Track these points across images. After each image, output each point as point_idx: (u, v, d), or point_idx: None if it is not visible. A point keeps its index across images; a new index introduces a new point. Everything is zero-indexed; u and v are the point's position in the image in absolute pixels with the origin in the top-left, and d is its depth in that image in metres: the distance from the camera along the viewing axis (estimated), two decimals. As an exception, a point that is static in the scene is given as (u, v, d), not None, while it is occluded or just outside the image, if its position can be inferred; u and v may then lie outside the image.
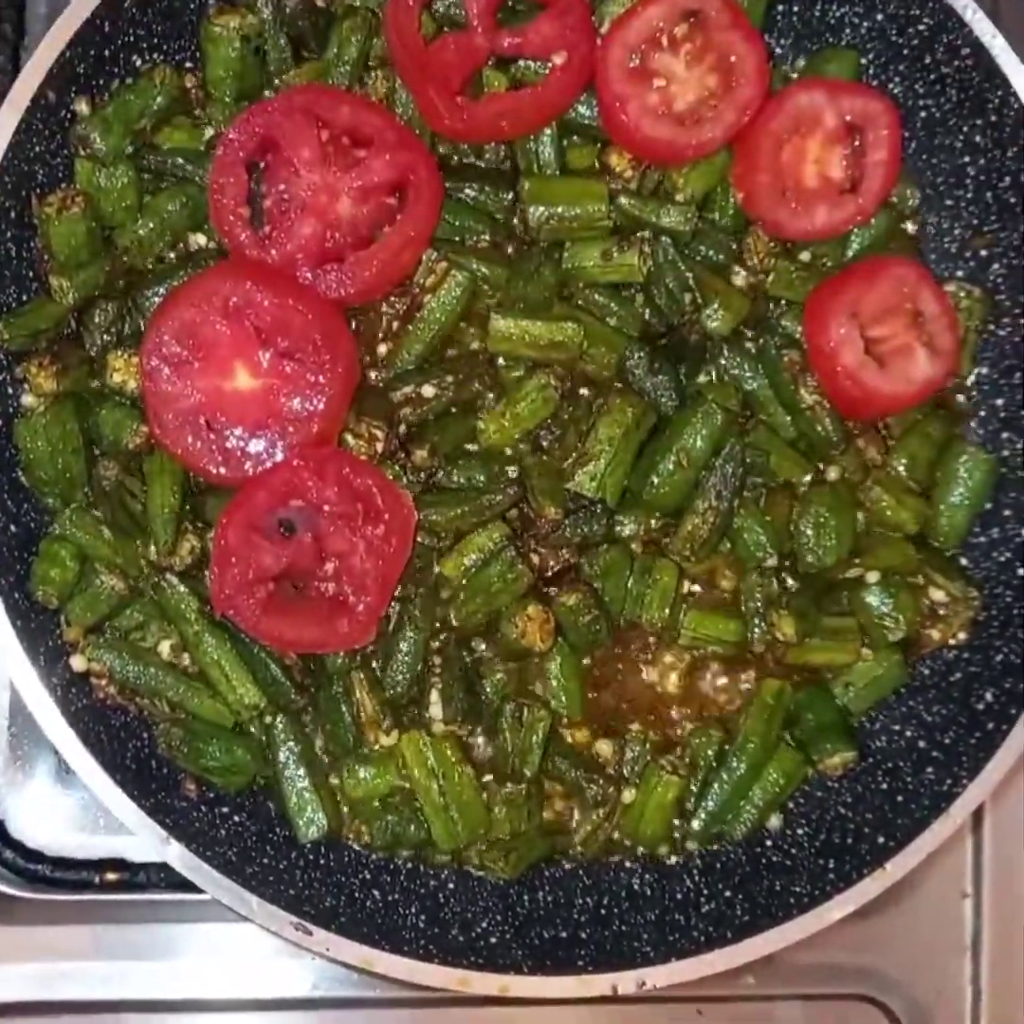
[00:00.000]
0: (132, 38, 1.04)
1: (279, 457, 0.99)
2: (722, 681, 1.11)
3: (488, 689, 1.06)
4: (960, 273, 1.15)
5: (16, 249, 1.02)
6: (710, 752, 1.09)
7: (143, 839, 0.96)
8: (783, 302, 1.12)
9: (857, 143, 1.10)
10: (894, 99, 1.11)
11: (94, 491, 1.04)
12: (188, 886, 0.97)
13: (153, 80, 1.05)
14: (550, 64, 1.07)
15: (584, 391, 1.09)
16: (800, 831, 1.09)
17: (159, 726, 1.04)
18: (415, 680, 1.04)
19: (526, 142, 1.09)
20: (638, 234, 1.07)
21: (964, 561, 1.13)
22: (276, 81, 1.08)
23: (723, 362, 1.09)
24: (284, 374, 0.99)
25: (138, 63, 1.06)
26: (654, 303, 1.09)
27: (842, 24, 1.13)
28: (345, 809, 1.06)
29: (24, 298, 1.03)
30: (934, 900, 1.22)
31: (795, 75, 1.16)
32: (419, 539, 1.04)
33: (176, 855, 0.96)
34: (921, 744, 1.09)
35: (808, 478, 1.10)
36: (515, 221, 1.09)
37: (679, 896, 1.07)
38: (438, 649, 1.05)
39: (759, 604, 1.09)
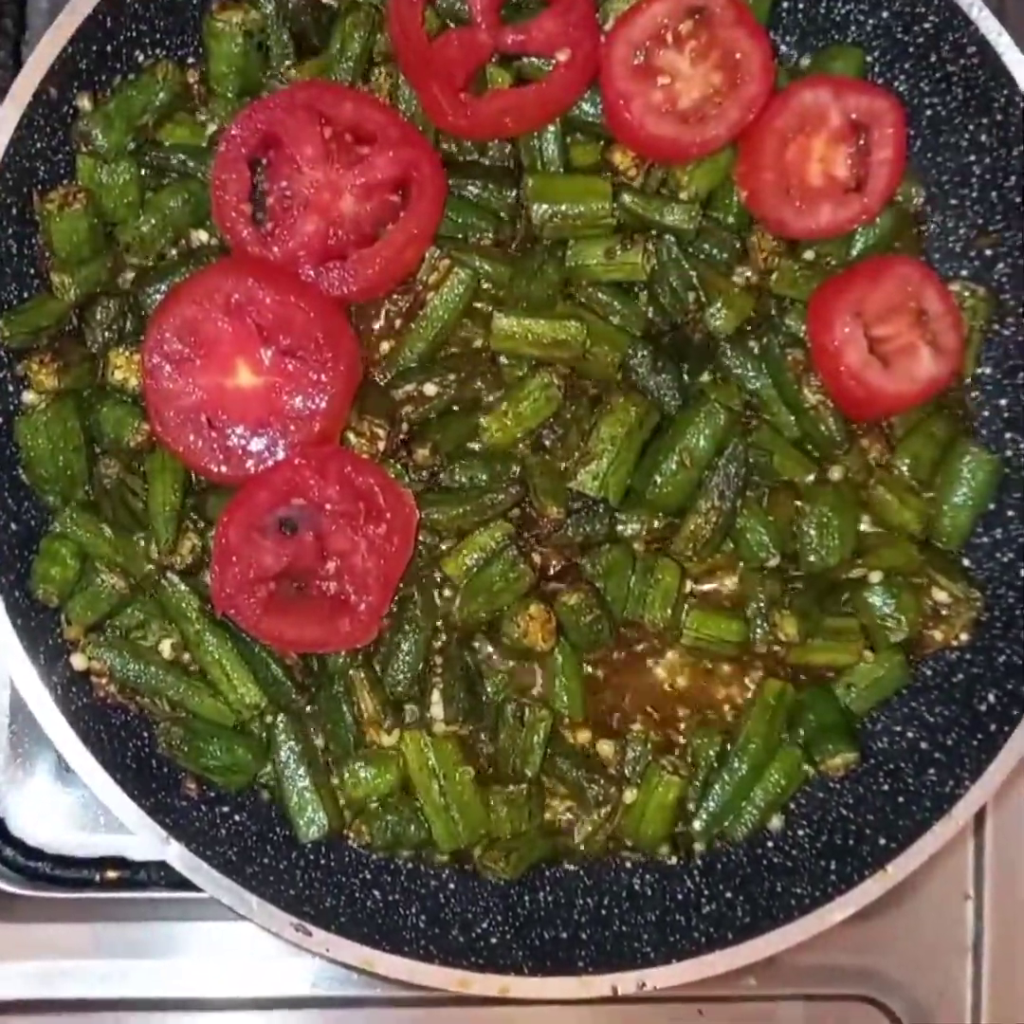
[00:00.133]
0: (134, 33, 1.04)
1: (281, 455, 0.99)
2: (724, 681, 1.11)
3: (489, 689, 1.06)
4: (965, 272, 1.14)
5: (17, 246, 1.02)
6: (711, 752, 1.09)
7: (143, 838, 0.96)
8: (787, 301, 1.11)
9: (862, 141, 1.09)
10: (899, 97, 1.11)
11: (95, 489, 1.04)
12: (188, 884, 0.97)
13: (155, 76, 1.05)
14: (554, 61, 1.06)
15: (587, 389, 1.08)
16: (801, 832, 1.09)
17: (159, 725, 1.04)
18: (416, 680, 1.04)
19: (530, 139, 1.09)
20: (642, 232, 1.07)
21: (967, 562, 1.13)
22: (279, 77, 1.08)
23: (726, 361, 1.09)
24: (286, 372, 0.99)
25: (140, 58, 1.06)
26: (658, 302, 1.09)
27: (847, 21, 1.13)
28: (345, 809, 1.06)
29: (25, 295, 1.03)
30: (936, 901, 1.21)
31: (803, 69, 1.15)
32: (421, 538, 1.04)
33: (176, 854, 0.96)
34: (923, 745, 1.09)
35: (811, 478, 1.10)
36: (518, 219, 1.09)
37: (680, 897, 1.07)
38: (439, 649, 1.05)
39: (762, 604, 1.09)
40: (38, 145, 1.01)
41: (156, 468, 1.02)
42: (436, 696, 1.04)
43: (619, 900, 1.07)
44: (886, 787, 1.08)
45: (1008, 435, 1.13)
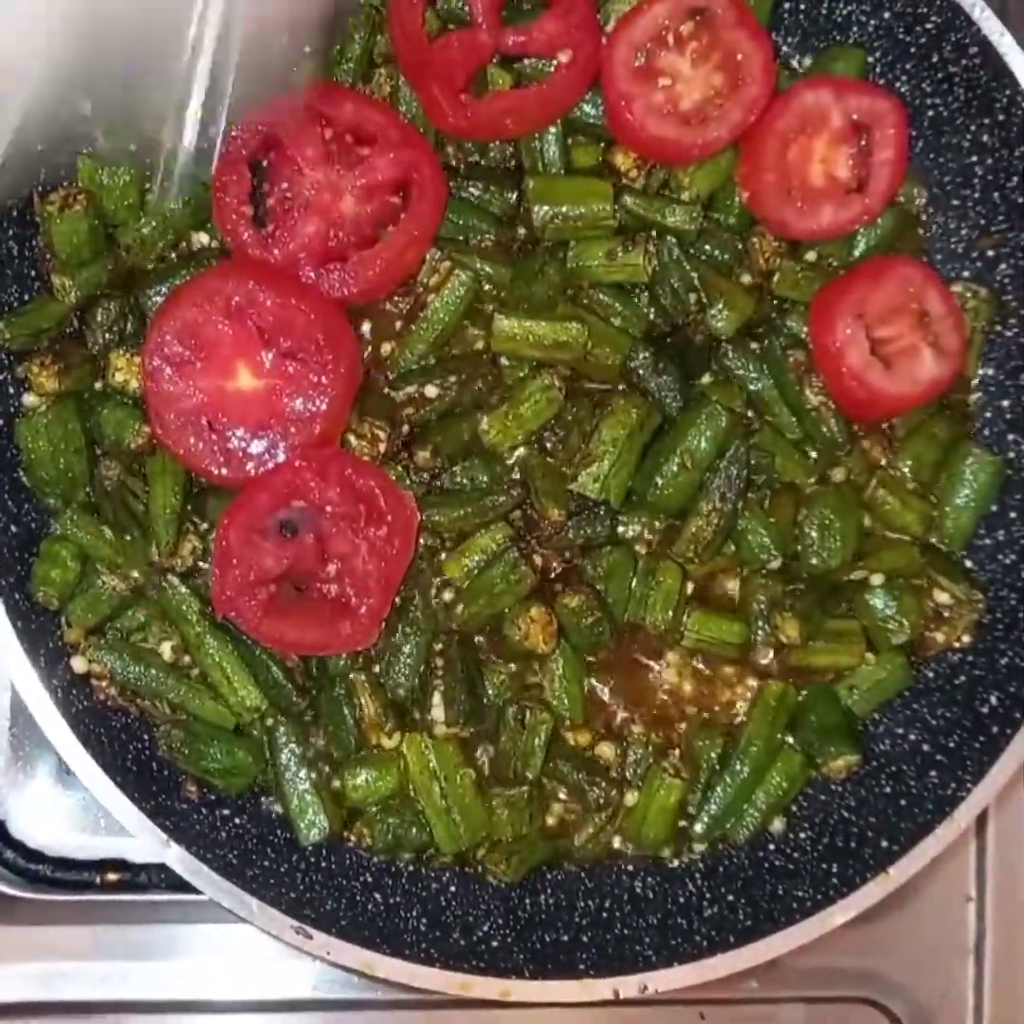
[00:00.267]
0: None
1: (281, 457, 0.99)
2: (725, 683, 1.10)
3: (490, 691, 1.06)
4: (966, 273, 1.14)
5: (18, 247, 1.02)
6: (713, 755, 1.08)
7: (143, 841, 0.96)
8: (788, 302, 1.11)
9: (864, 142, 1.09)
10: (901, 98, 1.11)
11: (96, 491, 1.03)
12: (189, 887, 0.96)
13: (155, 78, 1.04)
14: (555, 62, 1.06)
15: (589, 391, 1.08)
16: (803, 835, 1.09)
17: (160, 728, 1.03)
18: (417, 682, 1.04)
19: (531, 141, 1.09)
20: (643, 234, 1.07)
21: (969, 563, 1.12)
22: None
23: (728, 362, 1.09)
24: (286, 374, 0.99)
25: (140, 60, 1.06)
26: (659, 303, 1.09)
27: (849, 22, 1.13)
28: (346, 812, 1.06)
29: (26, 297, 1.03)
30: (937, 904, 1.21)
31: (805, 70, 1.15)
32: (422, 540, 1.04)
33: (176, 857, 0.96)
34: (925, 747, 1.08)
35: (813, 479, 1.10)
36: (519, 220, 1.09)
37: (681, 900, 1.07)
38: (440, 651, 1.05)
39: (763, 606, 1.08)
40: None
41: (157, 470, 1.02)
42: (437, 698, 1.04)
43: (620, 903, 1.07)
44: (888, 789, 1.08)
45: (1010, 437, 1.12)
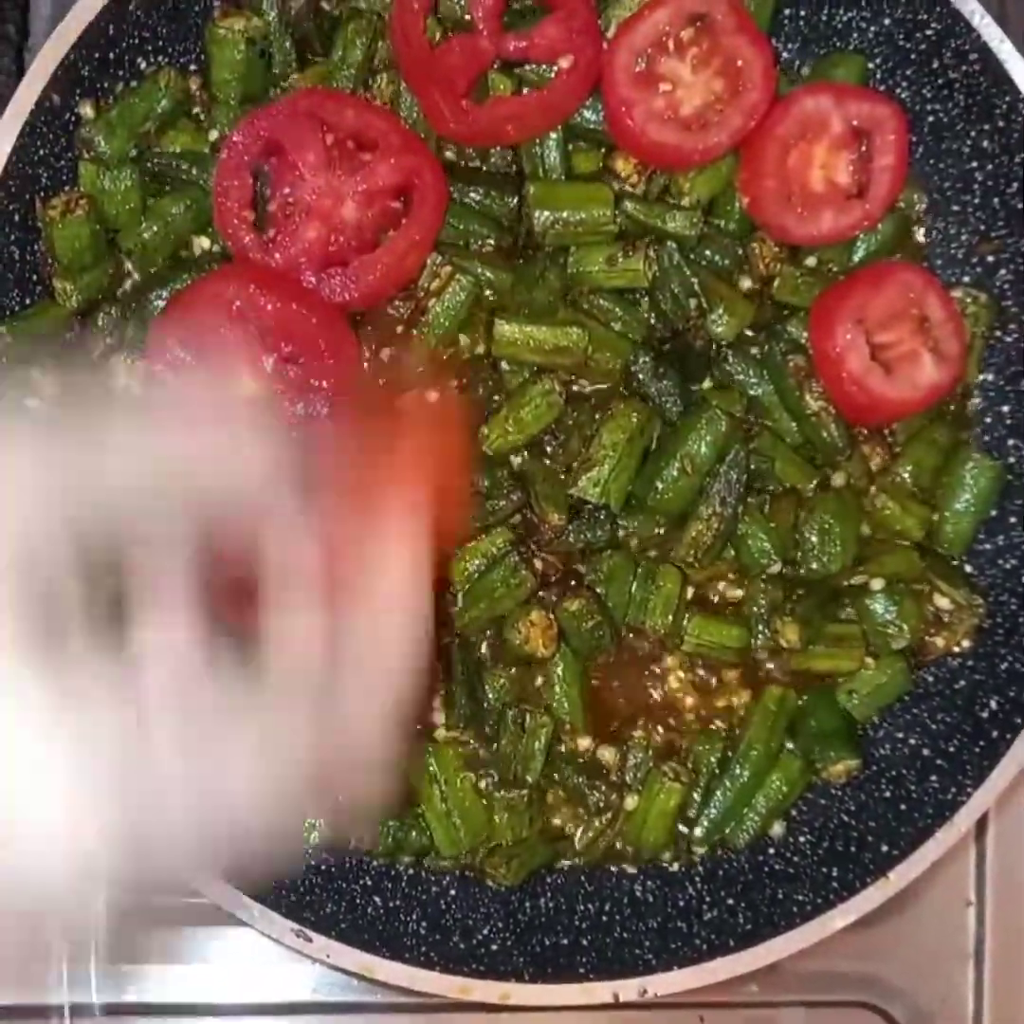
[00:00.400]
0: (136, 41, 1.04)
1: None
2: (725, 688, 1.11)
3: (490, 695, 1.06)
4: (967, 279, 1.14)
5: (19, 252, 1.02)
6: (713, 759, 1.09)
7: (144, 844, 0.96)
8: (789, 307, 1.11)
9: (864, 148, 1.09)
10: (901, 104, 1.11)
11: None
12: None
13: (157, 83, 1.05)
14: (556, 68, 1.06)
15: (589, 396, 1.08)
16: (803, 839, 1.09)
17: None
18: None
19: (531, 146, 1.09)
20: (643, 239, 1.07)
21: (969, 568, 1.13)
22: (281, 84, 1.08)
23: (728, 367, 1.09)
24: (288, 379, 0.99)
25: (142, 66, 1.06)
26: (659, 308, 1.09)
27: (849, 28, 1.13)
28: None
29: (27, 301, 1.03)
30: (937, 908, 1.21)
31: (805, 76, 1.15)
32: (422, 544, 1.04)
33: (177, 860, 0.96)
34: (925, 752, 1.08)
35: (813, 484, 1.10)
36: (520, 226, 1.09)
37: (681, 903, 1.07)
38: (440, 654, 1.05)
39: (763, 610, 1.09)
40: (41, 152, 1.01)
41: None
42: (437, 702, 1.04)
43: (620, 906, 1.07)
44: (888, 794, 1.08)
45: (1010, 442, 1.13)
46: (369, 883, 1.05)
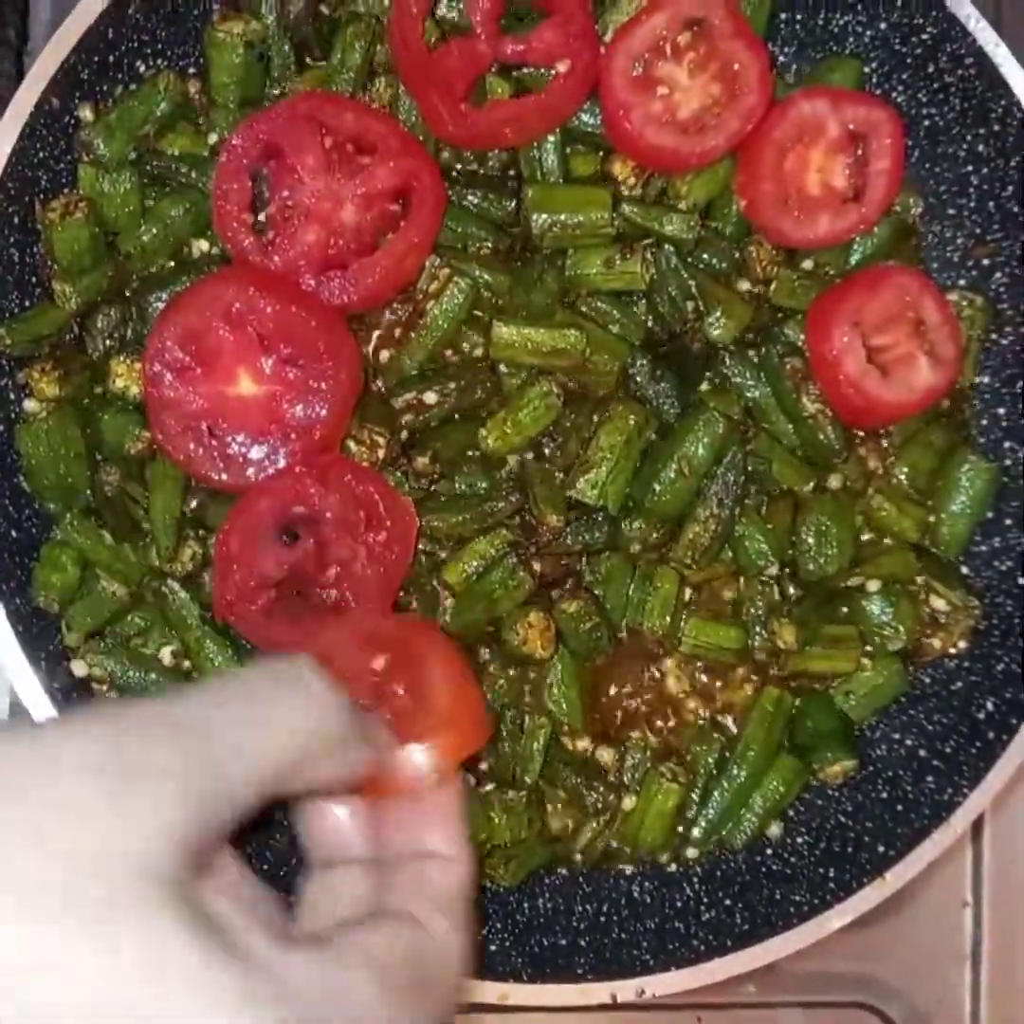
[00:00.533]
0: (136, 44, 1.04)
1: (281, 463, 0.99)
2: (722, 689, 1.11)
3: (489, 696, 1.06)
4: (962, 282, 1.15)
5: (19, 254, 1.02)
6: (710, 760, 1.09)
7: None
8: (786, 310, 1.12)
9: (860, 152, 1.10)
10: (897, 108, 1.11)
11: (96, 496, 1.04)
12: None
13: (157, 86, 1.05)
14: (554, 71, 1.07)
15: (587, 398, 1.09)
16: (800, 839, 1.09)
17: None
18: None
19: (529, 149, 1.09)
20: (641, 242, 1.07)
21: (965, 570, 1.13)
22: (280, 87, 1.08)
23: (725, 370, 1.09)
24: (287, 381, 0.99)
25: (142, 69, 1.06)
26: (657, 311, 1.09)
27: (845, 33, 1.13)
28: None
29: (27, 303, 1.03)
30: (934, 909, 1.21)
31: (802, 80, 1.15)
32: (421, 546, 1.04)
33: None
34: (922, 753, 1.09)
35: (810, 486, 1.10)
36: (518, 228, 1.09)
37: (679, 904, 1.07)
38: (439, 656, 1.05)
39: (760, 612, 1.09)
40: (40, 154, 1.01)
41: (157, 476, 1.03)
42: (436, 703, 1.04)
43: (618, 907, 1.08)
44: (885, 794, 1.08)
45: (1006, 444, 1.13)
46: (368, 884, 1.05)
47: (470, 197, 1.08)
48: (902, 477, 1.11)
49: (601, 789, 1.07)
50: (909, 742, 1.10)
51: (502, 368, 1.08)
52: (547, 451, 1.07)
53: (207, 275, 1.04)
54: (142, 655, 1.04)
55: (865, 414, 1.09)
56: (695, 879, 1.09)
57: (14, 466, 1.02)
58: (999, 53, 1.06)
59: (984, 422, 1.15)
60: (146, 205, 1.06)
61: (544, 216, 1.07)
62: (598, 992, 0.98)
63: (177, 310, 1.00)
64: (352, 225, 1.03)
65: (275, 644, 1.00)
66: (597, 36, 1.08)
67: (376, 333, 1.09)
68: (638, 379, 1.07)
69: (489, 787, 1.06)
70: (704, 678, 1.11)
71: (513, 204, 1.09)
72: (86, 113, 1.04)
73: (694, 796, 1.09)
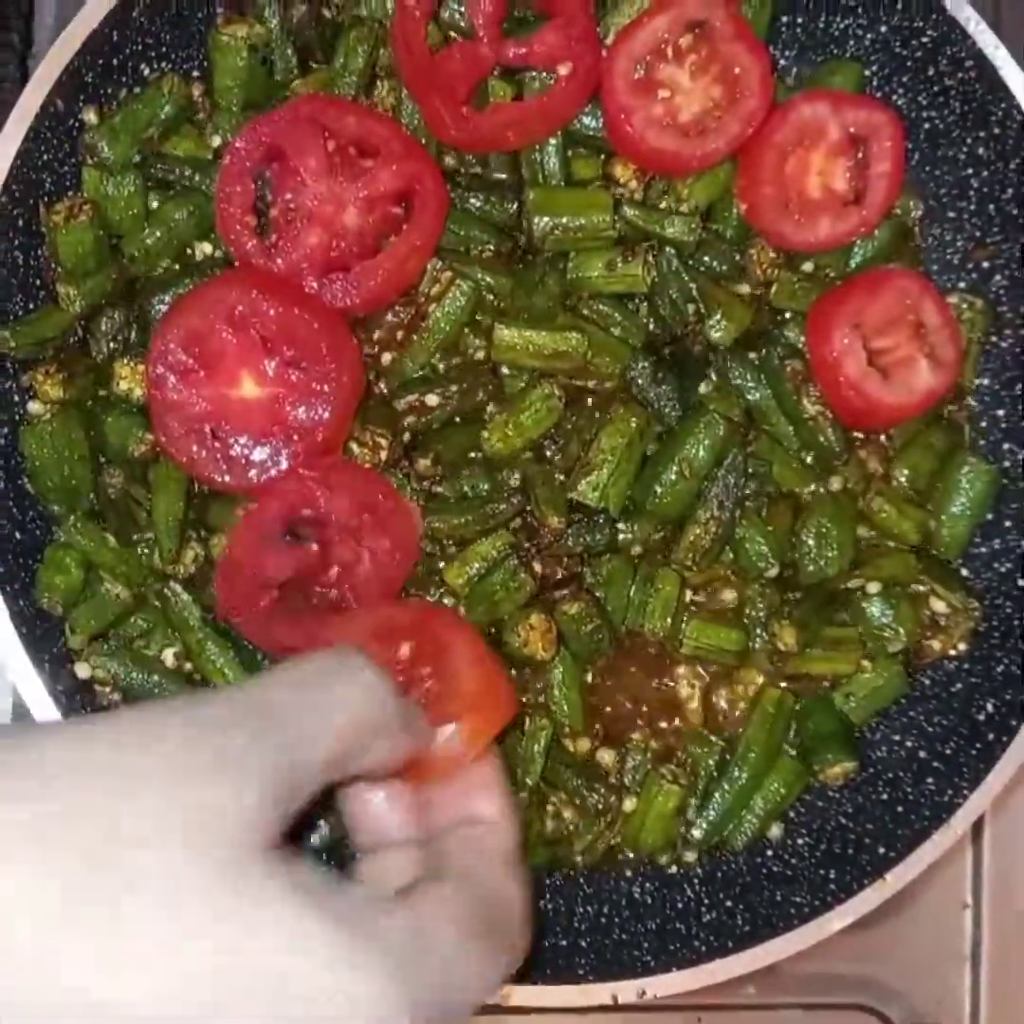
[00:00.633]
0: (140, 47, 1.05)
1: (284, 465, 0.99)
2: (723, 691, 1.11)
3: (490, 697, 1.06)
4: (962, 284, 1.15)
5: (23, 257, 1.02)
6: (711, 761, 1.09)
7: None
8: (786, 313, 1.12)
9: (861, 155, 1.10)
10: (897, 111, 1.12)
11: (99, 499, 1.04)
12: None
13: (161, 89, 1.05)
14: (555, 75, 1.07)
15: (588, 401, 1.09)
16: (801, 841, 1.09)
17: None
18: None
19: (531, 153, 1.09)
20: (642, 245, 1.08)
21: (965, 572, 1.13)
22: (283, 91, 1.09)
23: (726, 372, 1.10)
24: (290, 383, 1.00)
25: (146, 72, 1.06)
26: (658, 313, 1.10)
27: (846, 36, 1.14)
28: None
29: (31, 306, 1.04)
30: (934, 911, 1.22)
31: (802, 83, 1.16)
32: (422, 547, 1.04)
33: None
34: (922, 754, 1.09)
35: (810, 488, 1.10)
36: (520, 231, 1.09)
37: (680, 905, 1.07)
38: (441, 657, 1.06)
39: (761, 614, 1.09)
40: (44, 157, 1.01)
41: (160, 478, 1.03)
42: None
43: (619, 908, 1.08)
44: (885, 796, 1.08)
45: (1006, 446, 1.13)
46: (369, 884, 1.05)
47: (472, 200, 1.09)
48: (902, 479, 1.11)
49: (602, 791, 1.07)
50: (909, 744, 1.10)
51: (504, 370, 1.08)
52: (549, 453, 1.08)
53: (210, 278, 1.04)
54: (145, 657, 1.04)
55: (865, 416, 1.09)
56: (696, 880, 1.09)
57: (18, 468, 1.03)
58: (999, 56, 1.06)
59: (984, 424, 1.15)
60: (150, 208, 1.07)
61: (545, 219, 1.07)
62: (599, 993, 0.99)
63: (180, 313, 1.00)
64: (354, 228, 1.04)
65: (276, 644, 1.00)
66: (599, 39, 1.09)
67: (378, 335, 1.09)
68: (639, 381, 1.08)
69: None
70: (705, 679, 1.11)
71: (515, 207, 1.09)
72: (90, 116, 1.04)
73: (694, 798, 1.09)
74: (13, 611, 0.97)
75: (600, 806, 1.07)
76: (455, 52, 1.07)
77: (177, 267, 1.07)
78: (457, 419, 1.07)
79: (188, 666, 1.05)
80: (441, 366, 1.09)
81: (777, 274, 1.11)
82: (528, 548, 1.06)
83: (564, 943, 1.05)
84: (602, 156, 1.11)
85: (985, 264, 1.13)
